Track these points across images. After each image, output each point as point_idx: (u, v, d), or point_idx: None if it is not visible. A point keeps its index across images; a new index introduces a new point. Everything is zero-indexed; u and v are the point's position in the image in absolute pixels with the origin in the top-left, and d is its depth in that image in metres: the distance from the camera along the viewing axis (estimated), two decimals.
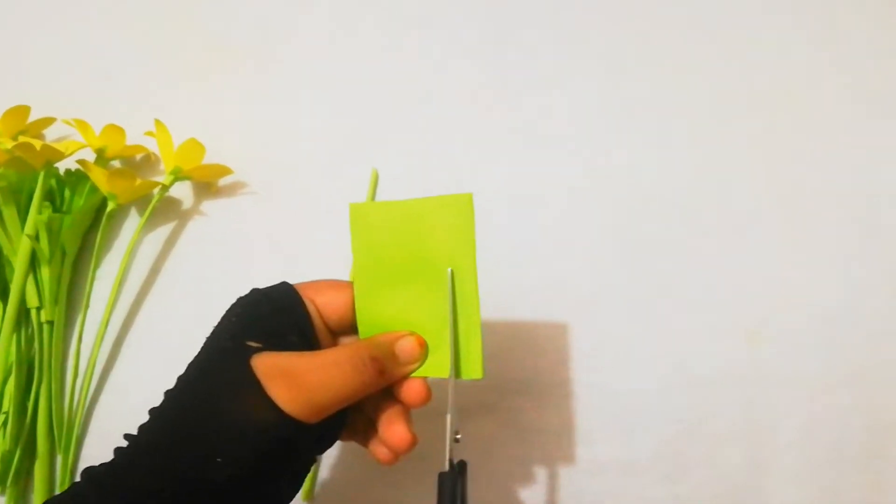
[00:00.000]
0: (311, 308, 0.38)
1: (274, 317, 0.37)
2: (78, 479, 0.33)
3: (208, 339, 0.37)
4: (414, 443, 0.38)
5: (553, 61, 0.63)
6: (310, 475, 0.51)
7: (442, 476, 0.36)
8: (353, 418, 0.39)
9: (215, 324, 0.38)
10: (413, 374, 0.38)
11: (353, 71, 0.64)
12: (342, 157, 0.61)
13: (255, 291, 0.39)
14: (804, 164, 0.58)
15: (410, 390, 0.38)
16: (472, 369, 0.38)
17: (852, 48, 0.61)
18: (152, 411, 0.35)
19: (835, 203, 0.57)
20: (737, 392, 0.52)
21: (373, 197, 0.59)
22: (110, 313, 0.55)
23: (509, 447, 0.52)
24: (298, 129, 0.62)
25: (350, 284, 0.40)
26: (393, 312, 0.39)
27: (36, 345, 0.54)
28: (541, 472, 0.51)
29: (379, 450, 0.39)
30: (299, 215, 0.59)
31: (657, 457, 0.51)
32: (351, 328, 0.40)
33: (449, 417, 0.37)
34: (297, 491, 0.37)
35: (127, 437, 0.34)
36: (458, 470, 0.37)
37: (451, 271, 0.38)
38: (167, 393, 0.35)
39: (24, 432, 0.53)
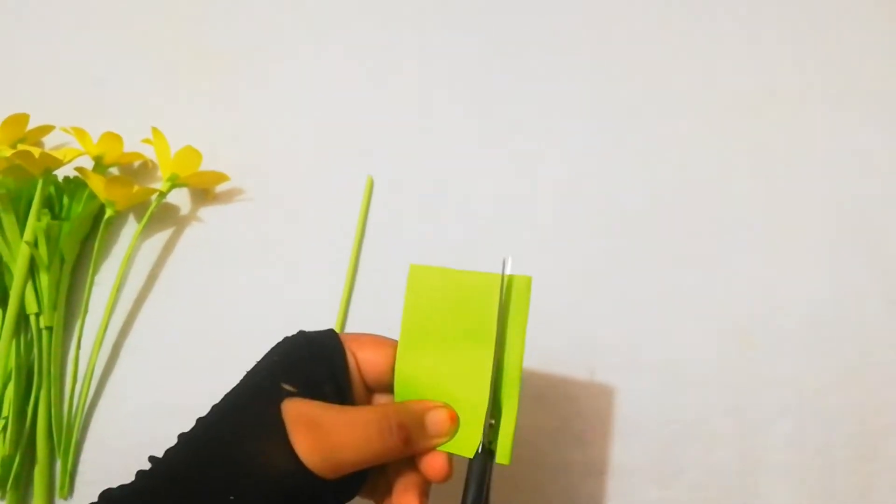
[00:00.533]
0: (351, 361, 0.38)
1: (313, 363, 0.37)
2: (95, 499, 0.33)
3: (248, 373, 0.37)
4: None
5: (546, 67, 0.63)
6: None
7: (474, 458, 0.36)
8: (373, 476, 0.38)
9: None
10: (438, 448, 0.37)
11: (349, 78, 0.65)
12: (338, 164, 0.61)
13: (300, 334, 0.39)
14: (793, 167, 0.59)
15: (432, 465, 0.37)
16: (502, 452, 0.37)
17: (838, 53, 0.62)
18: (181, 436, 0.35)
19: (824, 206, 0.57)
20: (729, 394, 0.53)
21: (367, 203, 0.59)
22: (109, 319, 0.56)
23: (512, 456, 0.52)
24: (294, 136, 0.63)
25: (393, 343, 0.40)
26: (432, 380, 0.38)
27: (35, 350, 0.54)
28: (534, 474, 0.52)
29: None
30: (295, 222, 0.60)
31: (650, 458, 0.51)
32: (387, 387, 0.40)
33: (487, 404, 0.37)
34: None
35: (151, 459, 0.34)
36: (489, 452, 0.37)
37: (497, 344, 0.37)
38: (199, 420, 0.35)
39: (24, 437, 0.53)
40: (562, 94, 0.63)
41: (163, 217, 0.60)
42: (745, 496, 0.50)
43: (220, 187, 0.61)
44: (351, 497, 0.38)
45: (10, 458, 0.52)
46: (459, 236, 0.58)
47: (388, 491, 0.39)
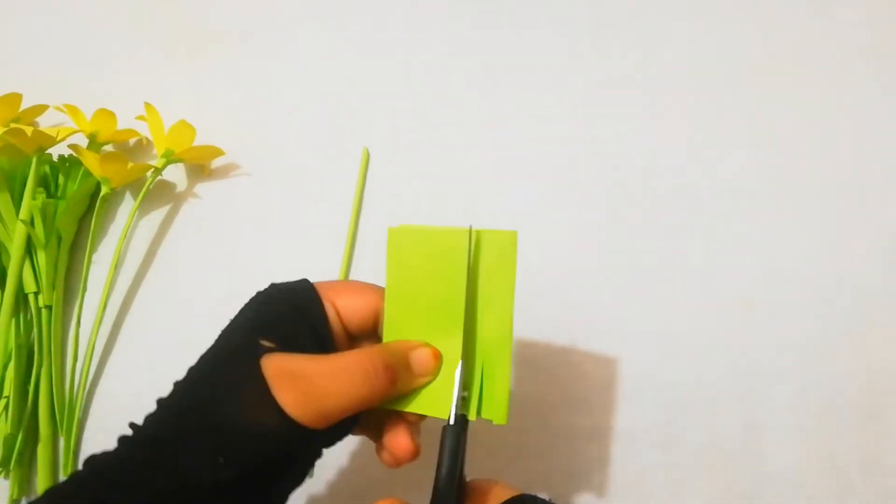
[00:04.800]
0: (329, 311, 0.37)
1: (291, 317, 0.36)
2: (80, 466, 0.33)
3: (222, 332, 0.36)
4: (416, 454, 0.37)
5: (541, 40, 0.63)
6: None
7: (446, 427, 0.36)
8: (364, 415, 0.38)
9: (232, 316, 0.37)
10: (416, 410, 0.37)
11: (343, 50, 0.64)
12: (333, 137, 0.61)
13: (273, 288, 0.38)
14: (794, 136, 0.58)
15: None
16: (496, 412, 0.37)
17: (843, 24, 0.61)
18: (160, 402, 0.34)
19: (824, 173, 0.57)
20: (730, 359, 0.52)
21: (364, 175, 0.59)
22: (107, 297, 0.56)
23: (509, 415, 0.52)
24: (289, 109, 0.62)
25: (373, 288, 0.39)
26: (421, 337, 0.37)
27: (35, 329, 0.54)
28: (539, 440, 0.52)
29: (383, 454, 0.38)
30: (292, 196, 0.59)
31: (653, 422, 0.51)
32: (370, 334, 0.39)
33: (458, 375, 0.36)
34: (298, 485, 0.36)
35: (132, 426, 0.33)
36: (462, 423, 0.36)
37: (466, 308, 0.36)
38: (176, 384, 0.35)
39: (26, 416, 0.53)
40: (559, 64, 0.62)
41: (159, 194, 0.60)
42: (748, 459, 0.50)
43: (216, 163, 0.61)
44: (342, 438, 0.37)
45: (13, 437, 0.52)
46: (457, 206, 0.58)
47: (379, 427, 0.38)
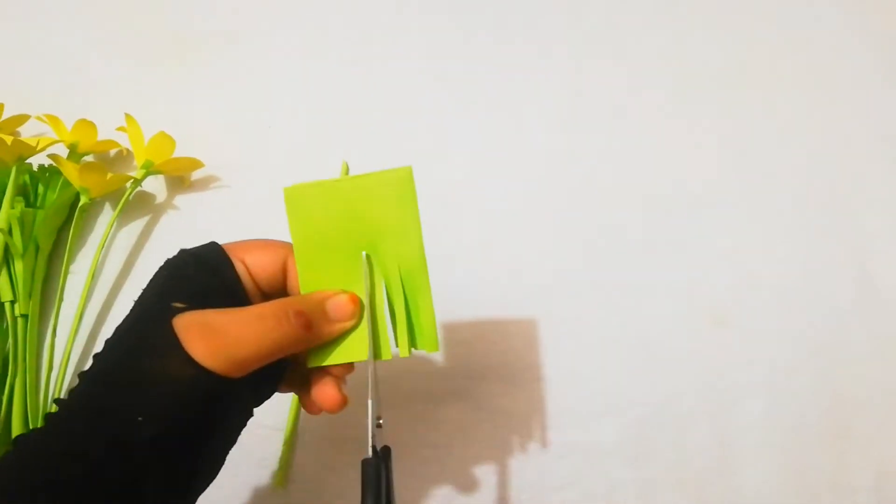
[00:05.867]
0: (240, 268, 0.38)
1: (201, 277, 0.37)
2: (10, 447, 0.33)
3: (136, 302, 0.37)
4: (344, 403, 0.37)
5: (518, 49, 0.64)
6: (283, 462, 0.51)
7: (365, 462, 0.36)
8: (290, 370, 0.39)
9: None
10: (337, 361, 0.37)
11: (323, 63, 0.65)
12: (313, 150, 0.61)
13: (182, 252, 0.38)
14: (764, 147, 0.59)
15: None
16: (427, 342, 0.38)
17: (811, 31, 0.62)
18: (80, 374, 0.34)
19: (795, 184, 0.58)
20: (701, 374, 0.53)
21: None
22: (84, 307, 0.56)
23: (480, 431, 0.52)
24: (268, 122, 0.63)
25: (280, 243, 0.39)
26: (337, 287, 0.38)
27: (10, 339, 0.54)
28: (510, 456, 0.52)
29: (310, 405, 0.39)
30: (271, 208, 0.59)
31: (624, 439, 0.52)
32: (282, 290, 0.39)
33: (370, 403, 0.36)
34: (232, 444, 0.36)
35: (57, 401, 0.34)
36: (382, 456, 0.36)
37: (366, 255, 0.38)
38: (95, 356, 0.35)
39: (0, 425, 0.53)
40: (536, 70, 0.63)
41: (139, 205, 0.60)
42: (718, 475, 0.50)
43: (196, 175, 0.61)
44: (270, 394, 0.38)
45: None
46: (436, 218, 0.58)
47: (306, 382, 0.39)
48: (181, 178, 0.61)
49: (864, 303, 0.54)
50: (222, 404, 0.34)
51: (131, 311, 0.36)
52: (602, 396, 0.53)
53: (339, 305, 0.37)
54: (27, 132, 0.63)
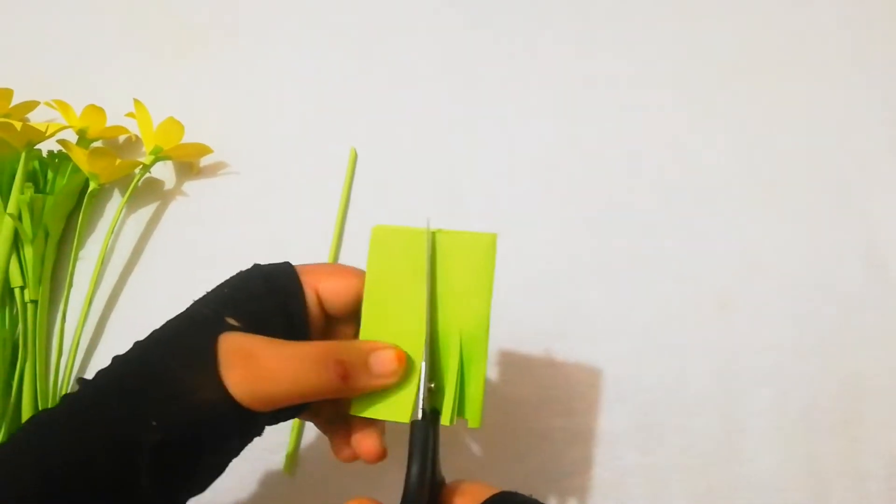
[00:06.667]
0: (309, 293, 0.37)
1: (265, 297, 0.36)
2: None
3: (195, 302, 0.36)
4: (383, 456, 0.37)
5: (526, 40, 0.63)
6: (291, 449, 0.52)
7: (415, 424, 0.35)
8: (319, 404, 0.37)
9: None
10: (380, 417, 0.36)
11: (332, 50, 0.64)
12: (322, 135, 0.61)
13: (255, 267, 0.38)
14: (774, 133, 0.59)
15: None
16: (472, 415, 0.37)
17: (825, 17, 0.62)
18: (115, 358, 0.34)
19: (803, 170, 0.57)
20: (709, 361, 0.53)
21: (351, 174, 0.59)
22: (94, 292, 0.56)
23: (488, 418, 0.52)
24: (278, 108, 0.63)
25: (356, 272, 0.39)
26: (397, 337, 0.37)
27: (20, 324, 0.54)
28: (519, 442, 0.52)
29: (341, 449, 0.38)
30: (280, 194, 0.60)
31: (632, 424, 0.52)
32: (352, 316, 0.38)
33: (424, 366, 0.36)
34: (235, 456, 0.36)
35: (80, 381, 0.33)
36: (432, 418, 0.36)
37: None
38: (136, 343, 0.35)
39: (10, 410, 0.53)
40: (541, 62, 0.62)
41: (148, 191, 0.60)
42: (727, 461, 0.50)
43: (205, 161, 0.61)
44: (287, 419, 0.37)
45: None
46: (442, 206, 0.58)
47: (336, 421, 0.38)
48: (190, 164, 0.61)
49: (873, 286, 0.54)
50: (238, 431, 0.34)
51: (186, 310, 0.36)
52: (610, 382, 0.52)
53: (384, 361, 0.36)
54: (36, 118, 0.63)
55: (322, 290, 0.37)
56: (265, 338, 0.34)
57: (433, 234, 0.37)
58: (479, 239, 0.37)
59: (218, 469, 0.35)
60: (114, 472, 0.31)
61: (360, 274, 0.39)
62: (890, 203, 0.56)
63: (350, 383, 0.35)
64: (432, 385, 0.36)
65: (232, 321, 0.34)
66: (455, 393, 0.36)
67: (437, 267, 0.37)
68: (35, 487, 0.30)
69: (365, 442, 0.37)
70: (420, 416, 0.35)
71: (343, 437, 0.38)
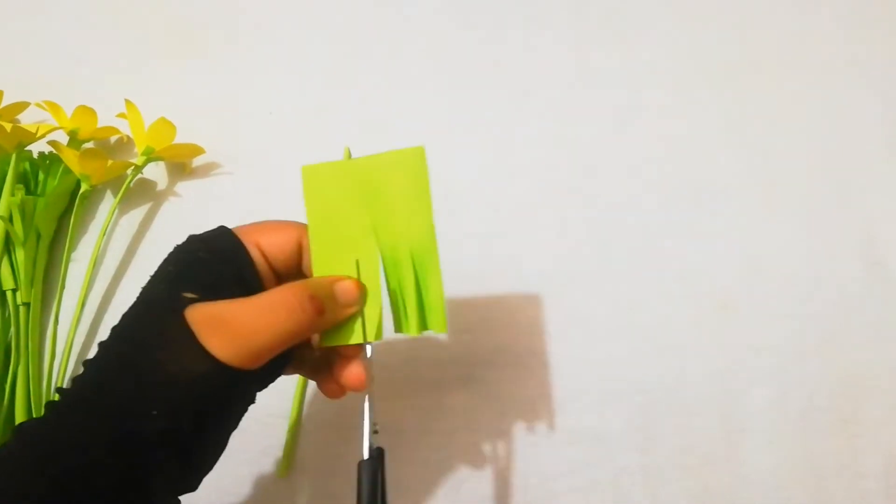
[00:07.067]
0: (254, 252, 0.37)
1: (213, 265, 0.36)
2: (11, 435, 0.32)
3: (144, 288, 0.36)
4: (368, 384, 0.38)
5: (521, 41, 0.63)
6: (287, 450, 0.51)
7: (362, 464, 0.36)
8: (300, 352, 0.38)
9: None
10: (350, 342, 0.37)
11: (325, 49, 0.64)
12: (315, 136, 0.61)
13: (192, 238, 0.38)
14: (773, 133, 0.58)
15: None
16: (436, 323, 0.38)
17: (823, 17, 0.62)
18: (86, 363, 0.34)
19: (801, 171, 0.57)
20: (708, 360, 0.52)
21: None
22: (86, 295, 0.56)
23: (487, 417, 0.52)
24: (270, 108, 0.62)
25: (293, 224, 0.39)
26: (349, 270, 0.38)
27: (12, 327, 0.54)
28: (517, 442, 0.51)
29: (329, 386, 0.39)
30: (273, 195, 0.59)
31: (630, 425, 0.51)
32: (297, 270, 0.39)
33: (366, 409, 0.37)
34: (235, 428, 0.36)
35: (59, 390, 0.33)
36: (377, 457, 0.37)
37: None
38: (101, 344, 0.34)
39: (2, 414, 0.53)
40: (537, 62, 0.62)
41: (140, 192, 0.60)
42: (726, 462, 0.50)
43: (197, 161, 0.61)
44: (275, 378, 0.38)
45: None
46: (442, 205, 0.58)
47: (319, 365, 0.39)
48: (182, 164, 0.60)
49: (871, 287, 0.54)
50: (235, 396, 0.34)
51: (139, 298, 0.36)
52: (609, 382, 0.52)
53: (346, 290, 0.37)
54: (27, 119, 0.62)
55: (264, 246, 0.38)
56: (229, 300, 0.34)
57: (356, 161, 0.38)
58: (407, 155, 0.38)
59: (222, 445, 0.36)
60: (121, 471, 0.31)
61: (297, 225, 0.39)
62: (889, 203, 0.56)
63: (326, 316, 0.36)
64: (377, 427, 0.38)
65: (189, 295, 0.34)
66: (417, 305, 0.38)
67: (370, 191, 0.38)
68: (41, 496, 0.30)
69: (350, 373, 0.38)
70: (366, 451, 0.37)
71: (328, 376, 0.39)
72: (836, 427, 0.51)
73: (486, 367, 0.53)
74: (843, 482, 0.49)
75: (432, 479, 0.50)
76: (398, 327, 0.39)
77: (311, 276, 0.38)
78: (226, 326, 0.33)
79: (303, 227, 0.39)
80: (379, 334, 0.38)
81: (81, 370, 0.34)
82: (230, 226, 0.56)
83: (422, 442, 0.51)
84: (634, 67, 0.61)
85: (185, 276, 0.36)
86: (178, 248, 0.38)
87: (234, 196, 0.59)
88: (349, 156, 0.59)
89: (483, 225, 0.57)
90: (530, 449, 0.51)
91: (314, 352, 0.39)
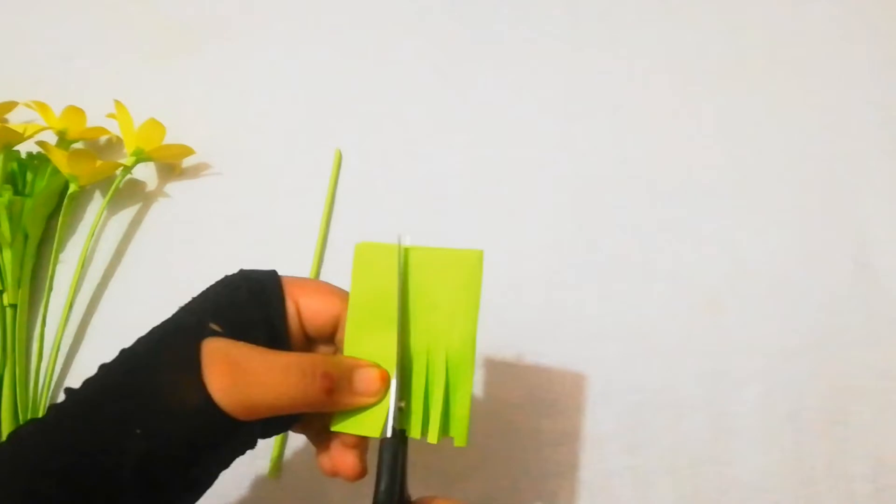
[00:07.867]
0: (290, 307, 0.36)
1: (248, 306, 0.35)
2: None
3: (179, 309, 0.36)
4: (363, 474, 0.36)
5: (515, 43, 0.63)
6: (276, 452, 0.51)
7: (384, 443, 0.35)
8: (309, 415, 0.37)
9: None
10: (354, 431, 0.36)
11: (316, 50, 0.64)
12: (306, 138, 0.61)
13: (240, 273, 0.37)
14: (764, 135, 0.59)
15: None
16: (458, 433, 0.36)
17: (813, 25, 0.62)
18: (101, 367, 0.34)
19: (792, 172, 0.57)
20: (697, 361, 0.52)
21: (336, 176, 0.59)
22: (74, 296, 0.55)
23: (475, 420, 0.52)
24: (261, 109, 0.62)
25: (340, 293, 0.38)
26: (379, 354, 0.36)
27: None
28: (507, 443, 0.51)
29: (323, 462, 0.37)
30: (263, 196, 0.59)
31: (620, 426, 0.51)
32: (328, 339, 0.38)
33: (394, 383, 0.35)
34: (225, 467, 0.35)
35: (67, 391, 0.33)
36: (401, 437, 0.35)
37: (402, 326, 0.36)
38: (121, 351, 0.34)
39: None
40: (530, 63, 0.62)
41: (129, 193, 0.60)
42: (715, 463, 0.50)
43: (187, 162, 0.60)
44: (278, 433, 0.37)
45: None
46: (428, 208, 0.58)
47: (324, 435, 0.37)
48: (172, 165, 0.60)
49: (861, 288, 0.54)
50: (223, 440, 0.33)
51: (171, 316, 0.35)
52: (598, 385, 0.52)
53: (367, 379, 0.35)
54: (15, 119, 0.62)
55: (302, 306, 0.37)
56: (249, 345, 0.33)
57: (412, 250, 0.36)
58: (464, 256, 0.36)
59: (205, 482, 0.35)
60: (99, 483, 0.30)
61: (342, 294, 0.38)
62: (879, 205, 0.57)
63: (334, 398, 0.34)
64: (402, 404, 0.36)
65: (215, 326, 0.34)
66: (441, 411, 0.36)
67: (419, 284, 0.36)
68: (19, 500, 0.29)
69: (343, 459, 0.36)
70: (389, 433, 0.35)
71: (326, 451, 0.37)
72: (824, 429, 0.51)
73: (476, 370, 0.53)
74: (832, 484, 0.49)
75: (421, 482, 0.50)
76: (415, 431, 0.36)
77: (341, 352, 0.37)
78: (233, 369, 0.32)
79: (346, 298, 0.37)
80: (379, 432, 0.35)
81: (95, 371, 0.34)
82: (221, 228, 0.57)
83: (410, 444, 0.51)
84: (626, 69, 0.61)
85: (218, 309, 0.35)
86: (224, 279, 0.37)
87: (224, 197, 0.59)
88: (340, 158, 0.59)
89: (474, 226, 0.57)
90: (520, 450, 0.51)
91: (323, 420, 0.37)
